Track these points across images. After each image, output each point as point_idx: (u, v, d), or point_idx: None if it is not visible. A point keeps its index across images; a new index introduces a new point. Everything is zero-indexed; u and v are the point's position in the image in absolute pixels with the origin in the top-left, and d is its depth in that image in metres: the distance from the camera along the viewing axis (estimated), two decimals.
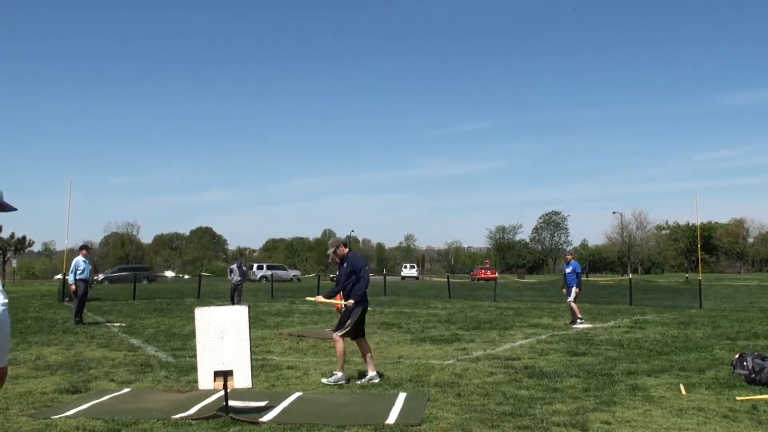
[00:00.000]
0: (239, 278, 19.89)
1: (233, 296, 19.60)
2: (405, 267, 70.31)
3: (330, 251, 7.79)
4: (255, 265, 55.83)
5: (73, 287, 14.61)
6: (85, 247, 15.34)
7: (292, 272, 57.53)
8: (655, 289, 32.96)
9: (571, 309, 14.65)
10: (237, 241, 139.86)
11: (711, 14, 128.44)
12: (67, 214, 23.01)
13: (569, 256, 15.68)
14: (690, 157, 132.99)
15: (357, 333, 7.60)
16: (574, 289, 14.70)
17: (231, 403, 5.92)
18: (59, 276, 48.65)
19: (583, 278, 16.01)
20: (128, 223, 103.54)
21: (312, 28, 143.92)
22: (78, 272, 14.60)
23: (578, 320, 14.38)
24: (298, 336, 12.04)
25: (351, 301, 7.48)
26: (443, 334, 12.50)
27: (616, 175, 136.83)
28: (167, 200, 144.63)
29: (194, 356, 6.55)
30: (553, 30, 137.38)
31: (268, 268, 53.40)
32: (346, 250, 7.79)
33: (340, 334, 7.50)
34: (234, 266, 20.39)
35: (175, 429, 5.39)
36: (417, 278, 64.27)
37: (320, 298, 8.15)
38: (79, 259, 14.76)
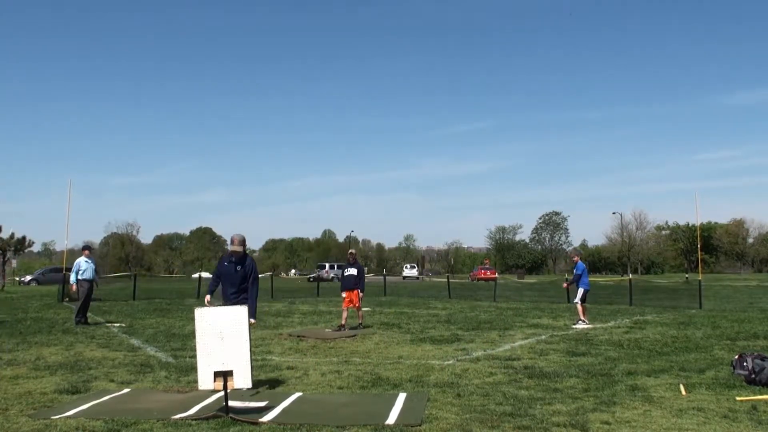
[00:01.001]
0: None
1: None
2: (406, 267, 71.42)
3: (240, 248, 7.55)
4: (327, 265, 56.56)
5: (73, 287, 14.63)
6: (87, 248, 15.38)
7: None
8: (655, 290, 32.93)
9: (577, 310, 14.64)
10: None
11: (711, 14, 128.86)
12: (67, 214, 23.02)
13: (576, 257, 15.56)
14: (690, 157, 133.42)
15: None
16: (580, 290, 14.70)
17: (231, 403, 5.92)
18: (41, 271, 48.61)
19: None
20: (128, 223, 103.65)
21: (312, 28, 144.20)
22: (80, 273, 14.62)
23: (579, 321, 14.38)
24: (298, 336, 12.04)
25: (253, 321, 7.25)
26: (443, 334, 12.50)
27: (616, 175, 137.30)
28: (167, 200, 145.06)
29: (194, 356, 6.55)
30: (553, 30, 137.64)
31: (338, 267, 54.14)
32: (246, 251, 7.59)
33: None
34: None
35: (175, 429, 5.39)
36: (418, 278, 64.80)
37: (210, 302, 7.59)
38: (81, 260, 14.78)
